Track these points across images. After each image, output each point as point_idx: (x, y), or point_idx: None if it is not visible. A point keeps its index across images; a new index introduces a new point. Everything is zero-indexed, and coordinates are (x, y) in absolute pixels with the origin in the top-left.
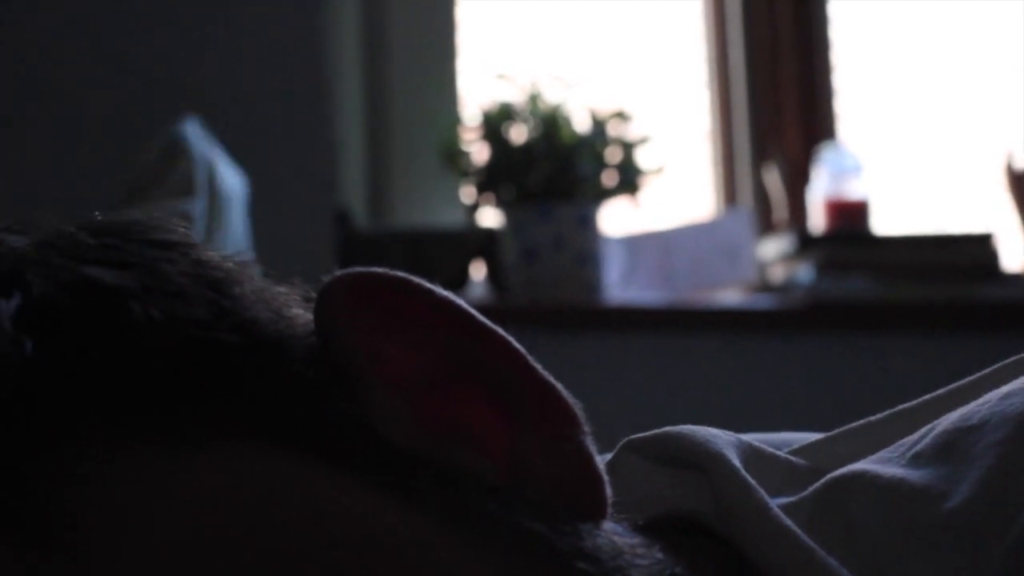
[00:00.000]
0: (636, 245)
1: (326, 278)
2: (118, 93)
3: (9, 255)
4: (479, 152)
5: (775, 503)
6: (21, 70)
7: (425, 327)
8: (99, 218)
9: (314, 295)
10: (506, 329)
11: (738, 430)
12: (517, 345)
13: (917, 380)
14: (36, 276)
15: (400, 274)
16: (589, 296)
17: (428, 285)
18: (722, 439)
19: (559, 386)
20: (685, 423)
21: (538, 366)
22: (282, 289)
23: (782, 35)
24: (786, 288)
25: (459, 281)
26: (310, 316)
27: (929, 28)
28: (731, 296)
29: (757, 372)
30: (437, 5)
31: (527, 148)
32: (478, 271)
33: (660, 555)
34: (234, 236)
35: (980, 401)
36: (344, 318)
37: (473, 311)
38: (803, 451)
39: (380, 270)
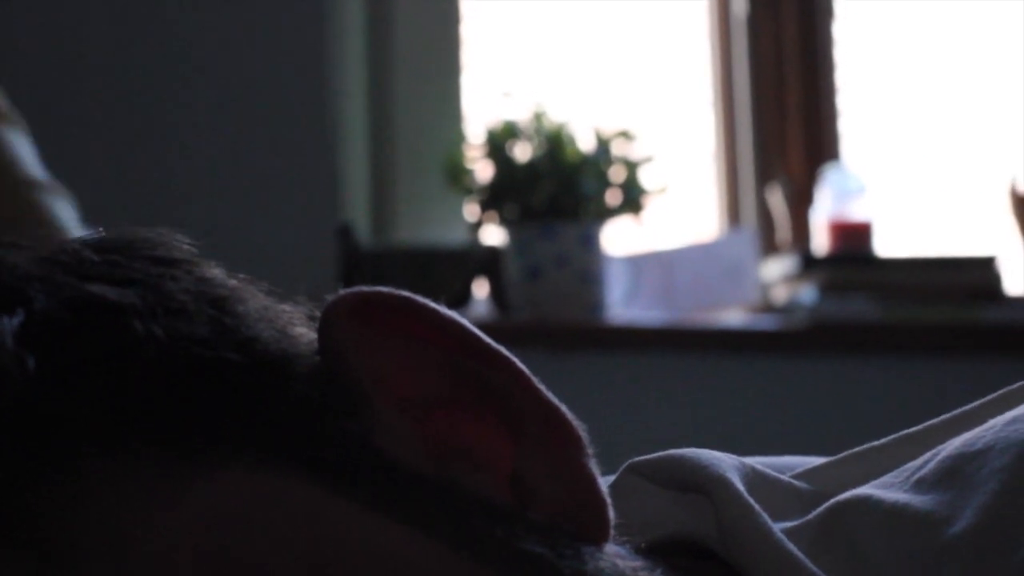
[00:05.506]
0: (639, 264)
1: (330, 297)
2: (119, 110)
3: (12, 271)
4: (483, 170)
5: (778, 527)
6: (15, 68)
7: (429, 347)
8: (103, 234)
9: (318, 313)
10: (508, 347)
11: (739, 450)
12: (522, 366)
13: (919, 402)
14: (39, 292)
15: (404, 293)
16: (592, 315)
17: (433, 305)
18: (725, 462)
19: (563, 408)
20: (686, 442)
21: (543, 387)
22: (286, 307)
23: (786, 56)
24: (789, 309)
25: (461, 299)
26: (314, 335)
27: (934, 50)
28: (733, 316)
29: (759, 392)
30: (441, 22)
31: (531, 166)
32: (481, 289)
33: None
34: None
35: (984, 427)
36: (347, 338)
37: (478, 331)
38: (806, 475)
39: (384, 289)
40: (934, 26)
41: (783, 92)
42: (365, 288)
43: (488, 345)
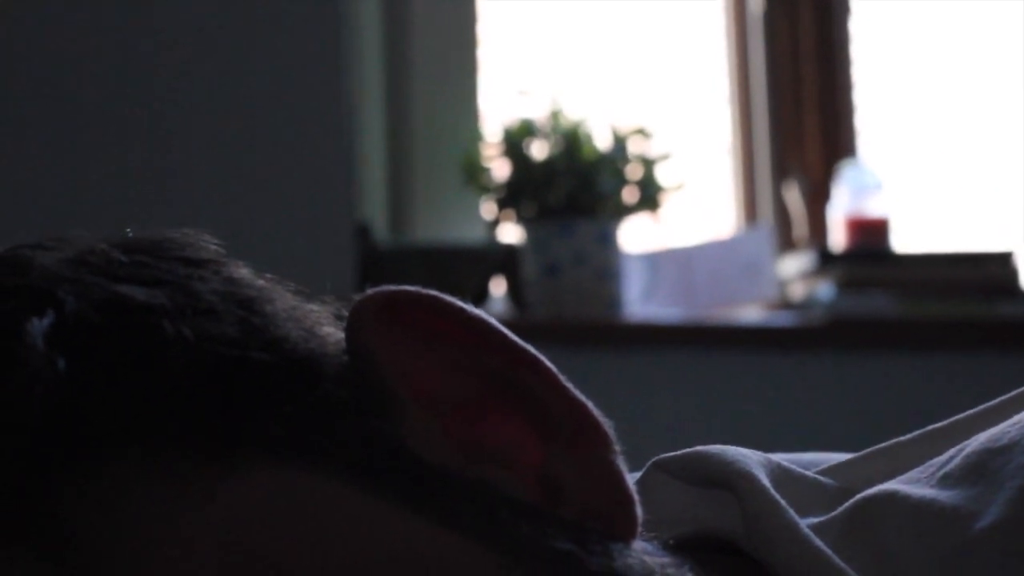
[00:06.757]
0: (657, 262)
1: (357, 296)
2: (135, 109)
3: (41, 273)
4: (500, 168)
5: (804, 523)
6: (26, 68)
7: (456, 345)
8: (130, 235)
9: (345, 313)
10: None
11: (758, 447)
12: (549, 364)
13: (937, 398)
14: (69, 294)
15: (431, 292)
16: (609, 312)
17: (460, 303)
18: (751, 458)
19: (591, 405)
20: (704, 439)
21: (570, 385)
22: (314, 307)
23: (803, 52)
24: (806, 305)
25: (479, 297)
26: (342, 334)
27: (951, 46)
28: (751, 313)
29: (777, 389)
30: (458, 21)
31: (548, 164)
32: (498, 287)
33: (690, 574)
34: None
35: (1009, 422)
36: (375, 337)
37: (504, 329)
38: (832, 471)
39: (411, 288)
40: (951, 22)
41: (800, 88)
42: (392, 287)
43: (515, 343)
